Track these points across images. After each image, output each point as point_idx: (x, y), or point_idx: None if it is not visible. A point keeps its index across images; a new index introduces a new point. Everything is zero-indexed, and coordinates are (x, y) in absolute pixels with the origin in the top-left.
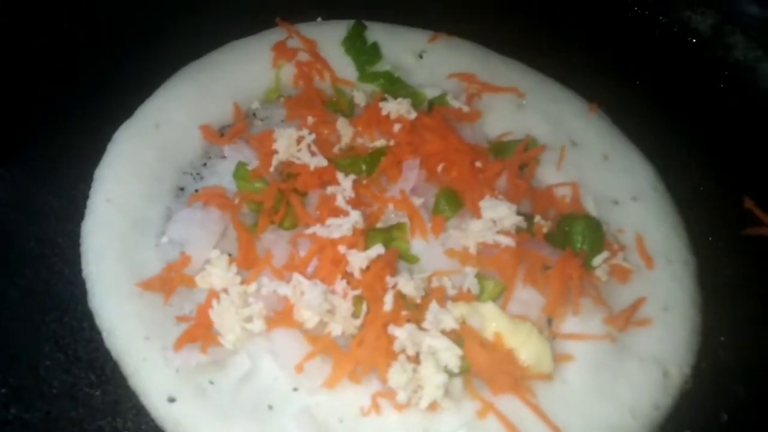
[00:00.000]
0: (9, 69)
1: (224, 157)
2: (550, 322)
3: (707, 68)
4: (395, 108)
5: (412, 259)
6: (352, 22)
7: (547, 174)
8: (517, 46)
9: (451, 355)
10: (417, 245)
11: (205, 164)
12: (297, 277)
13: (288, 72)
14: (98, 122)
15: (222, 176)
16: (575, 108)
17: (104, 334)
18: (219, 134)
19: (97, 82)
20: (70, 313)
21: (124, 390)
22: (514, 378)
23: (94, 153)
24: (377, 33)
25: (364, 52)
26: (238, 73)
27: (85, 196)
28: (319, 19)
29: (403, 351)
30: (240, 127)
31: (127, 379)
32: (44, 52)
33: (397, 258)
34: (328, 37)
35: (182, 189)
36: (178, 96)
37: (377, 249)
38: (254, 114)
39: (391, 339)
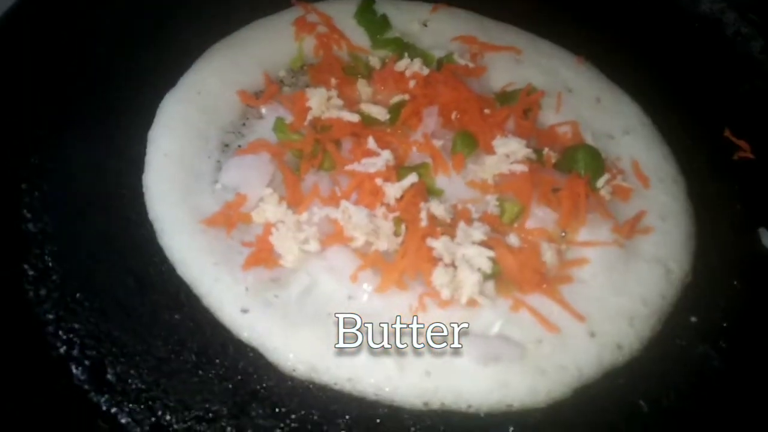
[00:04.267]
0: (65, 54)
1: (261, 117)
2: (564, 233)
3: (679, 20)
4: (409, 66)
5: (437, 193)
6: None
7: (548, 117)
8: (510, 11)
9: (482, 258)
10: (441, 181)
11: (244, 124)
12: (344, 203)
13: (309, 43)
14: (146, 93)
15: (261, 133)
16: (567, 61)
17: (176, 265)
18: (254, 98)
19: (142, 60)
20: (142, 250)
21: (199, 310)
22: (540, 274)
23: (145, 119)
24: (385, 6)
25: (374, 23)
26: (265, 46)
27: (141, 156)
28: None
29: (440, 260)
30: (273, 89)
31: (201, 300)
32: (93, 39)
33: (426, 190)
34: (342, 12)
35: (227, 145)
36: (215, 67)
37: (410, 179)
38: (282, 81)
39: (429, 249)
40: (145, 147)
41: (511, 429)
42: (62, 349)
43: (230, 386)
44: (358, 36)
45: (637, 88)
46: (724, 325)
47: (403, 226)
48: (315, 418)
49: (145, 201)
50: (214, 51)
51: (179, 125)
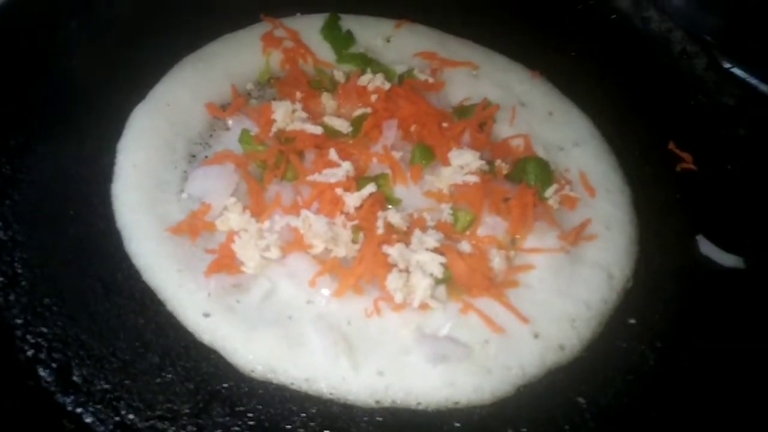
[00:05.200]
0: (37, 66)
1: (228, 129)
2: (513, 241)
3: (630, 38)
4: (371, 80)
5: (396, 202)
6: (327, 14)
7: (502, 130)
8: (469, 28)
9: (435, 264)
10: (399, 191)
11: (211, 135)
12: (305, 212)
13: (276, 58)
14: (116, 105)
15: (227, 144)
16: (521, 76)
17: (142, 271)
18: (222, 110)
19: (112, 73)
20: (109, 257)
21: (163, 314)
22: (488, 279)
23: (114, 130)
24: (350, 23)
25: (340, 38)
26: (233, 60)
27: (110, 165)
28: (298, 14)
29: (395, 265)
30: (240, 101)
31: (165, 304)
32: (65, 52)
33: (384, 200)
34: (308, 28)
35: (194, 156)
36: (184, 80)
37: (369, 188)
38: (249, 94)
39: (385, 256)
40: (114, 157)
41: (457, 425)
42: (30, 352)
43: (192, 387)
44: (324, 51)
45: (589, 103)
46: (661, 327)
47: (360, 234)
48: (272, 416)
49: (113, 210)
50: (184, 64)
51: (148, 136)
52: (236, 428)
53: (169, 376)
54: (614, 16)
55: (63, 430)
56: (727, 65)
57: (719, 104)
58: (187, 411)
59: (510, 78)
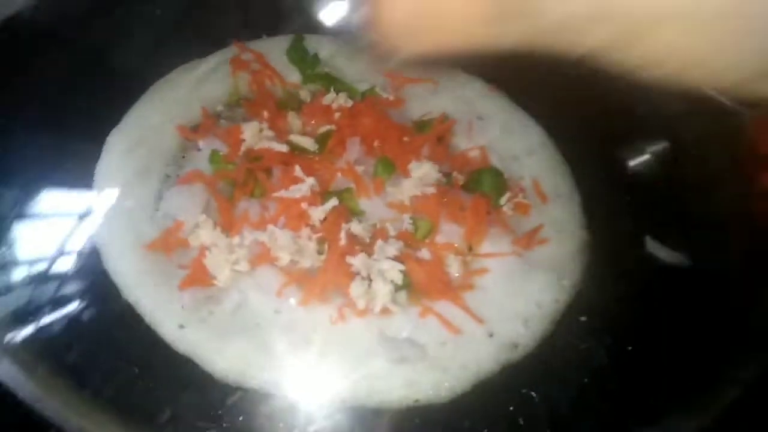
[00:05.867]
0: (16, 96)
1: (199, 150)
2: (470, 247)
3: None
4: (335, 99)
5: (360, 214)
6: (292, 36)
7: (461, 142)
8: None
9: (394, 271)
10: (362, 203)
11: (183, 156)
12: (271, 227)
13: (244, 80)
14: (93, 131)
15: (199, 164)
16: (479, 90)
17: (121, 288)
18: (193, 131)
19: (88, 100)
20: (90, 276)
21: (141, 328)
22: (444, 283)
23: (93, 154)
24: (313, 43)
25: (304, 59)
26: (203, 84)
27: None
28: (264, 36)
29: (358, 274)
30: (210, 123)
31: (143, 318)
32: (43, 80)
33: (348, 212)
34: (274, 50)
35: (168, 176)
36: (156, 104)
37: (332, 202)
38: (219, 115)
39: (348, 266)
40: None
41: (417, 421)
42: None
43: (170, 394)
44: (290, 72)
45: (543, 115)
46: (611, 323)
47: (325, 245)
48: (244, 418)
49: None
50: (156, 89)
51: (124, 159)
52: (211, 431)
53: (148, 384)
54: None
55: None
56: None
57: (667, 111)
58: (166, 416)
59: (468, 93)
